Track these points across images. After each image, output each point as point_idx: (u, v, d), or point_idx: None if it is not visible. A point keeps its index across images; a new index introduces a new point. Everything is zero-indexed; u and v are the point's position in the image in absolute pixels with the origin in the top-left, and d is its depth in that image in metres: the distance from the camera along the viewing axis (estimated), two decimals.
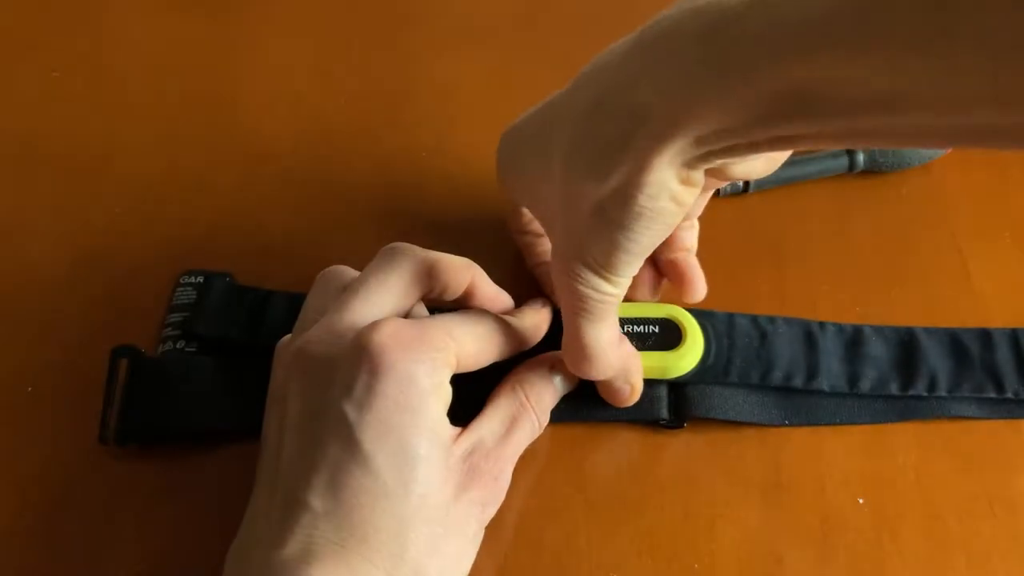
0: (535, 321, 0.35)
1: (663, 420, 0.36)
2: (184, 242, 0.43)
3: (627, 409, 0.36)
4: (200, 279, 0.40)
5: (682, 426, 0.36)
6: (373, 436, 0.28)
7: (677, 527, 0.34)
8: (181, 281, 0.40)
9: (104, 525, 0.34)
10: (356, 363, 0.28)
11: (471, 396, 0.32)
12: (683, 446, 0.36)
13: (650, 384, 0.36)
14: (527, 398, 0.33)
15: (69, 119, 0.49)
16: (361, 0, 0.56)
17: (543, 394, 0.34)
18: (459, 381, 0.31)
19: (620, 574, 0.33)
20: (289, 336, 0.35)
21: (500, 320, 0.33)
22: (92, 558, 0.33)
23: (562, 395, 0.35)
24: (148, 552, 0.33)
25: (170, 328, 0.39)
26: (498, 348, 0.33)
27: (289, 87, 0.51)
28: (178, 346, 0.38)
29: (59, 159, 0.47)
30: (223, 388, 0.36)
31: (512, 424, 0.32)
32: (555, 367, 0.35)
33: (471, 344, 0.31)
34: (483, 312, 0.33)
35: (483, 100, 0.50)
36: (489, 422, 0.32)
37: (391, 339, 0.29)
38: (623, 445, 0.36)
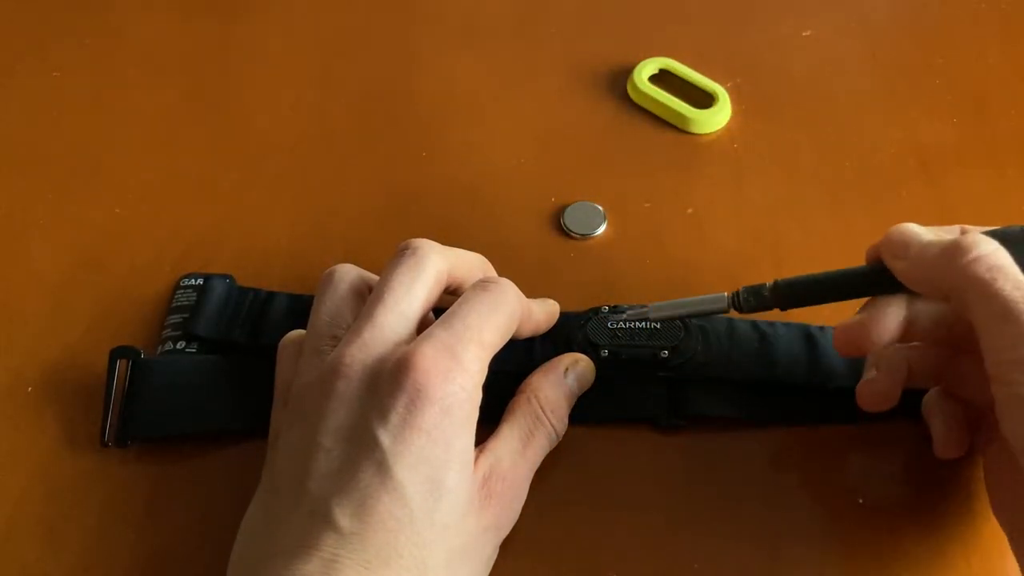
0: (548, 308, 0.36)
1: (663, 420, 0.36)
2: (184, 243, 0.43)
3: (626, 409, 0.36)
4: (200, 281, 0.40)
5: (682, 425, 0.36)
6: (405, 465, 0.28)
7: (677, 527, 0.34)
8: (181, 283, 0.40)
9: (104, 526, 0.34)
10: (395, 392, 0.29)
11: (495, 391, 0.32)
12: (683, 445, 0.36)
13: (649, 383, 0.36)
14: (542, 409, 0.33)
15: (69, 119, 0.49)
16: (361, 1, 0.56)
17: (559, 401, 0.34)
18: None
19: (620, 574, 0.33)
20: (294, 333, 0.35)
21: (517, 300, 0.33)
22: (92, 558, 0.33)
23: (577, 396, 0.35)
24: (148, 552, 0.33)
25: (170, 329, 0.39)
26: (515, 327, 0.33)
27: (289, 87, 0.51)
28: (178, 347, 0.38)
29: (59, 159, 0.47)
30: (224, 389, 0.36)
31: (529, 438, 0.33)
32: (569, 369, 0.35)
33: (499, 338, 0.32)
34: (502, 291, 0.33)
35: (483, 100, 0.50)
36: (506, 441, 0.32)
37: (430, 371, 0.29)
38: (623, 445, 0.36)
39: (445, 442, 0.29)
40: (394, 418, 0.28)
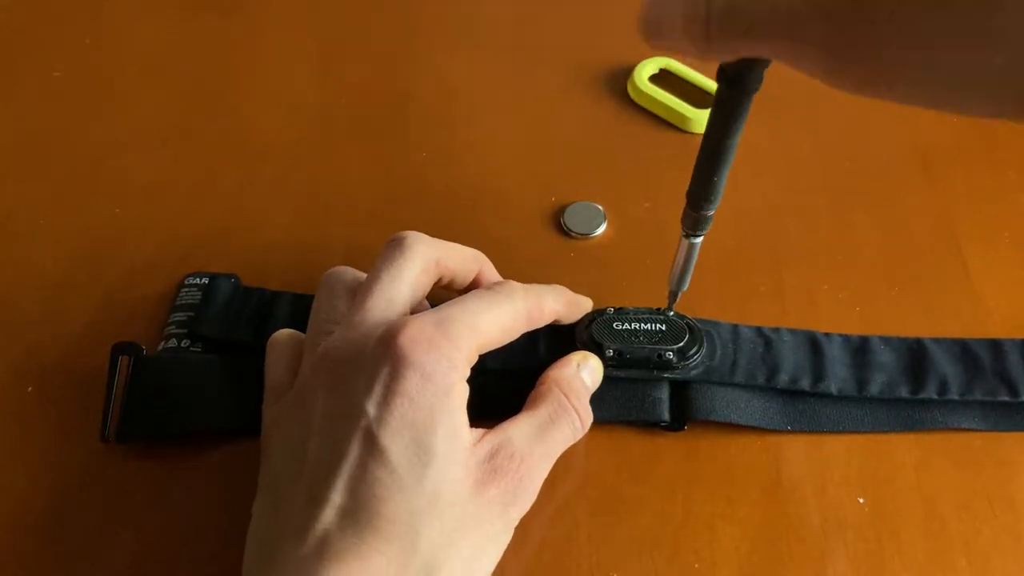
0: (573, 298, 0.36)
1: (664, 423, 0.36)
2: (185, 242, 0.43)
3: (628, 410, 0.36)
4: (205, 280, 0.40)
5: (683, 429, 0.36)
6: (390, 432, 0.28)
7: (677, 527, 0.34)
8: (186, 282, 0.40)
9: (105, 523, 0.34)
10: (378, 363, 0.29)
11: (499, 389, 0.32)
12: (683, 445, 0.36)
13: (652, 385, 0.36)
14: (567, 396, 0.33)
15: (69, 119, 0.49)
16: (362, 1, 0.56)
17: (580, 390, 0.34)
18: (487, 376, 0.31)
19: (620, 574, 0.33)
20: (282, 332, 0.35)
21: (528, 293, 0.33)
22: (93, 556, 0.33)
23: (591, 392, 0.35)
24: (149, 549, 0.33)
25: (173, 327, 0.39)
26: (526, 324, 0.33)
27: (290, 87, 0.51)
28: (182, 345, 0.38)
29: (59, 159, 0.47)
30: (226, 387, 0.36)
31: (548, 423, 0.32)
32: (580, 364, 0.35)
33: (495, 329, 0.32)
34: (509, 289, 0.33)
35: (483, 100, 0.50)
36: (521, 423, 0.32)
37: (412, 340, 0.29)
38: (623, 445, 0.36)
39: (428, 407, 0.29)
40: (378, 387, 0.28)
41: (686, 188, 0.32)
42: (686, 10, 0.22)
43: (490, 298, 0.32)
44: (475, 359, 0.31)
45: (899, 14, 0.19)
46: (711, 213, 0.32)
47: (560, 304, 0.35)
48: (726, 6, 0.22)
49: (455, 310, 0.31)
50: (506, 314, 0.32)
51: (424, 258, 0.33)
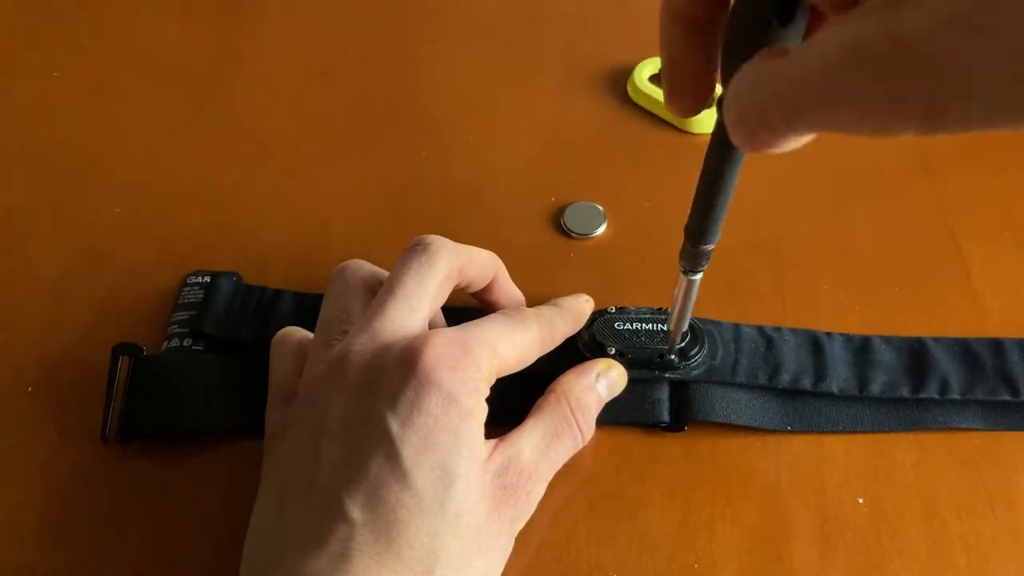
0: (577, 312, 0.36)
1: (664, 423, 0.36)
2: (186, 242, 0.43)
3: (628, 411, 0.36)
4: (207, 279, 0.40)
5: (683, 429, 0.36)
6: (413, 452, 0.28)
7: (677, 527, 0.34)
8: (188, 281, 0.40)
9: (106, 523, 0.34)
10: (403, 379, 0.29)
11: (495, 387, 0.32)
12: (683, 445, 0.36)
13: (652, 386, 0.36)
14: (572, 411, 0.33)
15: (69, 119, 0.49)
16: (361, 1, 0.56)
17: (589, 405, 0.34)
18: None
19: (620, 574, 0.33)
20: (287, 330, 0.35)
21: (541, 321, 0.33)
22: (94, 556, 0.33)
23: (607, 401, 0.35)
24: (150, 549, 0.33)
25: (176, 326, 0.39)
26: (539, 351, 0.33)
27: (290, 87, 0.51)
28: (185, 344, 0.38)
29: (59, 159, 0.47)
30: (227, 386, 0.36)
31: (554, 438, 0.32)
32: (601, 373, 0.35)
33: (513, 356, 0.32)
34: (525, 316, 0.33)
35: (483, 100, 0.50)
36: (529, 436, 0.32)
37: (439, 359, 0.29)
38: (623, 445, 0.36)
39: (452, 429, 0.28)
40: (403, 405, 0.28)
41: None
42: (730, 118, 0.22)
43: (509, 324, 0.32)
44: (494, 381, 0.31)
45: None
46: (711, 248, 0.31)
47: (569, 326, 0.35)
48: (755, 105, 0.20)
49: (478, 331, 0.31)
50: (523, 342, 0.32)
51: (449, 266, 0.33)
